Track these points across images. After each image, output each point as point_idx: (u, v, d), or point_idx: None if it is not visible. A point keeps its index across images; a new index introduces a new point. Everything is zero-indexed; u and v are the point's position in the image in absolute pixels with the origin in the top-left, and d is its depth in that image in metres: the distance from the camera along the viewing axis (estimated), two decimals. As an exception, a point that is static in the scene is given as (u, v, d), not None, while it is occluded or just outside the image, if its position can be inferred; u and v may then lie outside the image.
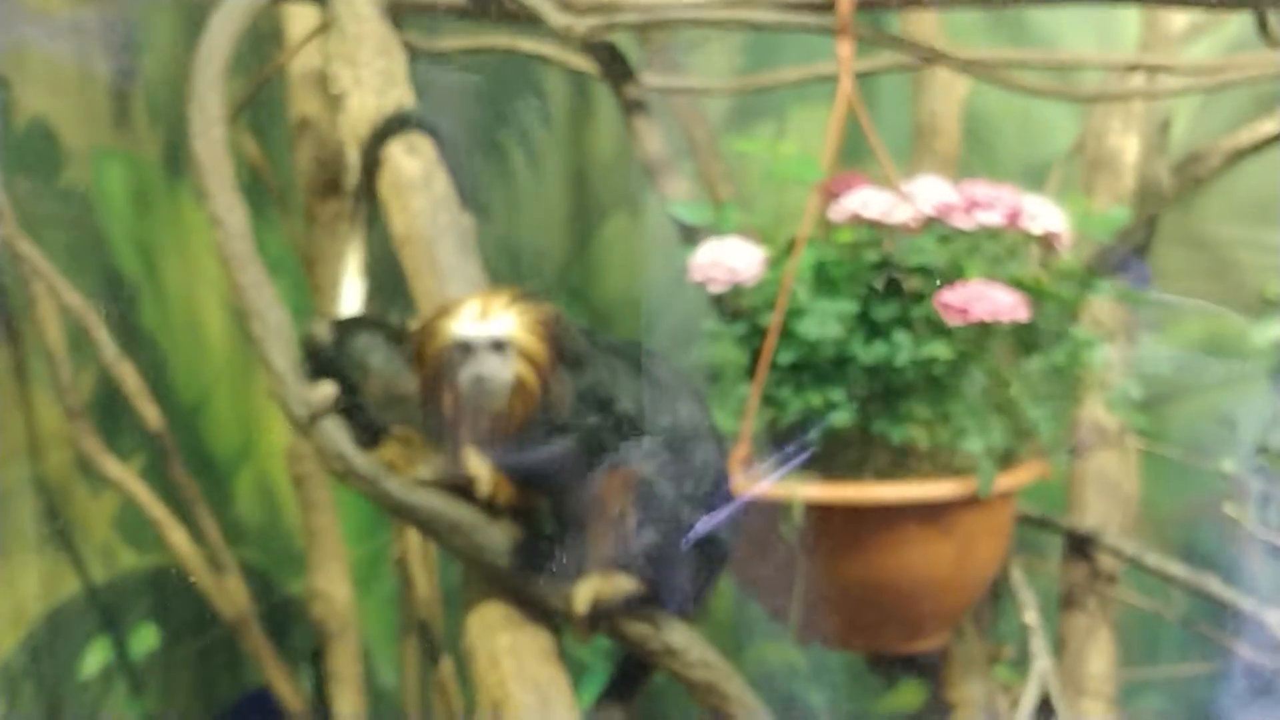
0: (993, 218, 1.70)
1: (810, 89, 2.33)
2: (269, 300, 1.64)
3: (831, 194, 1.93)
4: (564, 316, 1.49)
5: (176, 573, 2.32)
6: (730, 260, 1.81)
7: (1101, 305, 2.12)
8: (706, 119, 2.45)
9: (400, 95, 1.82)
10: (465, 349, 1.43)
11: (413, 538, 2.45)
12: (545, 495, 1.45)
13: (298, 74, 2.22)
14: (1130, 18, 2.32)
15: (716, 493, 1.47)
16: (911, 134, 2.49)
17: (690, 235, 1.98)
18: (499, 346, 1.42)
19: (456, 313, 1.45)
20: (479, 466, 1.44)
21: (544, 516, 1.45)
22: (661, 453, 1.42)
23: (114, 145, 2.46)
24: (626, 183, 2.74)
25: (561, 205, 2.83)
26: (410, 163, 1.77)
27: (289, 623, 2.60)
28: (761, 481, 1.76)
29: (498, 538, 1.43)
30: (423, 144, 1.79)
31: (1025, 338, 1.78)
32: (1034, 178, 2.53)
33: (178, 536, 2.29)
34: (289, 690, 2.30)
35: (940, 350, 1.68)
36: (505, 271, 2.86)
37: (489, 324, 1.44)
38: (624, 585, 1.39)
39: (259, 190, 2.44)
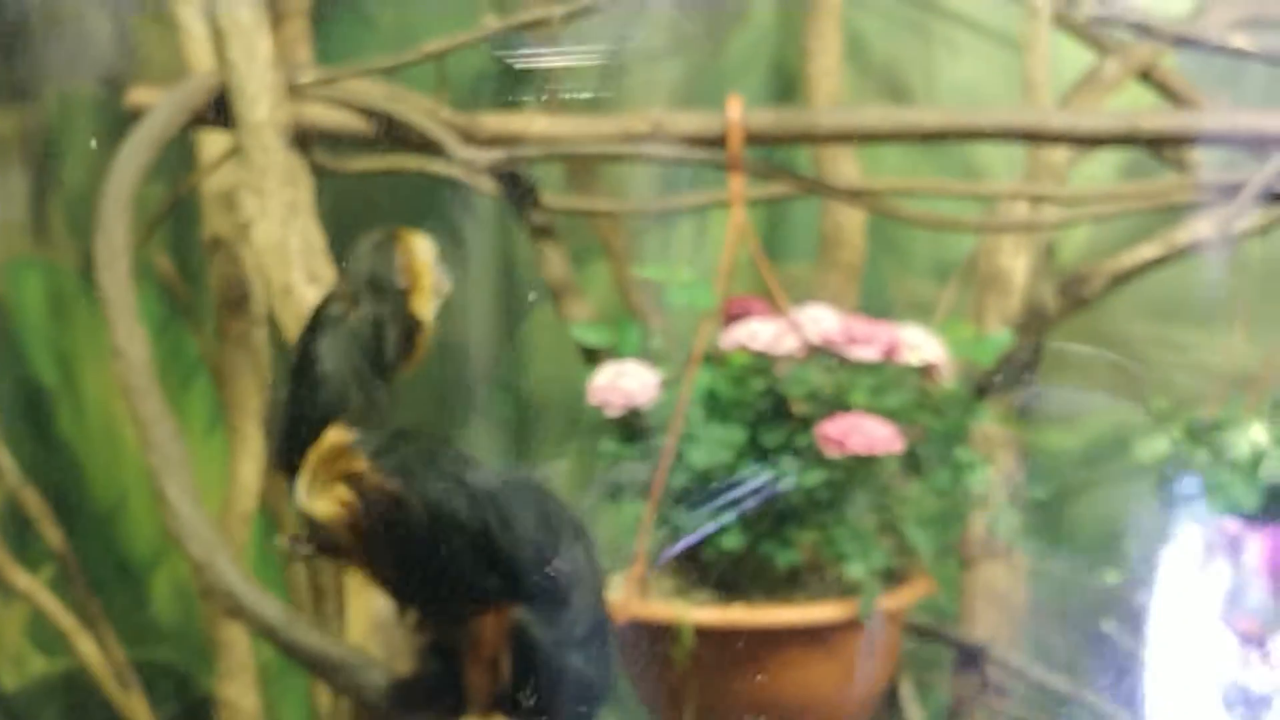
0: (869, 353, 1.77)
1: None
2: (167, 434, 1.68)
3: (730, 318, 2.00)
4: (411, 481, 1.49)
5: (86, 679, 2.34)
6: (626, 385, 1.87)
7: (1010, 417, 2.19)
8: (623, 230, 2.52)
9: (303, 225, 1.88)
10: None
11: (352, 628, 2.48)
12: (427, 630, 1.49)
13: (210, 194, 2.27)
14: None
15: (596, 633, 1.51)
16: (818, 244, 2.58)
17: (592, 356, 2.04)
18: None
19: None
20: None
21: (424, 657, 1.49)
22: (539, 593, 1.47)
23: (32, 255, 2.50)
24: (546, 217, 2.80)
25: (488, 295, 2.89)
26: (311, 292, 1.83)
27: (207, 721, 2.62)
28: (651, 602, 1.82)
29: (376, 678, 1.47)
30: (325, 271, 1.85)
31: (907, 462, 1.85)
32: (944, 275, 2.63)
33: (87, 646, 2.31)
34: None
35: (818, 478, 1.74)
36: (437, 363, 2.93)
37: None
38: (499, 730, 1.43)
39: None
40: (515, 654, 1.42)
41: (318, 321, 1.66)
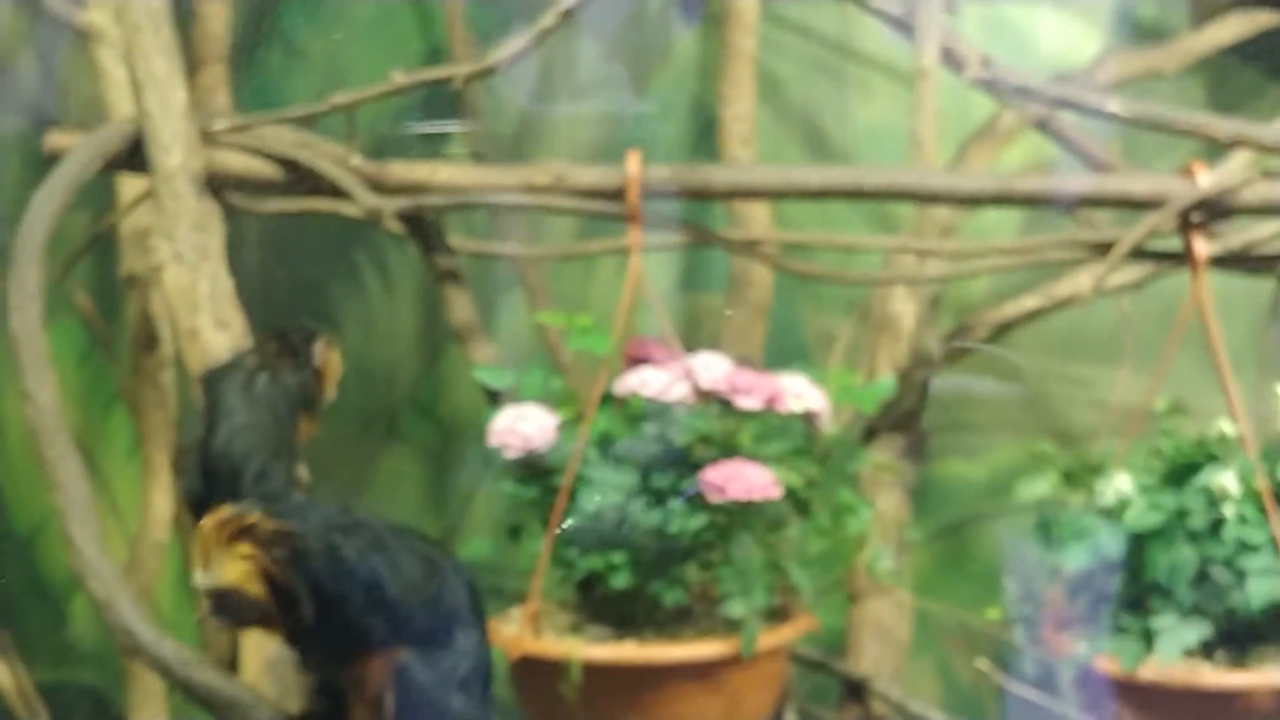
0: (752, 403, 1.86)
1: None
2: (73, 475, 1.74)
3: (631, 360, 2.08)
4: (301, 531, 1.56)
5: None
6: (524, 429, 1.95)
7: (882, 456, 2.29)
8: (540, 269, 2.59)
9: (213, 270, 1.94)
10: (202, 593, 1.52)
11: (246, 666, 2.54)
12: (317, 671, 1.56)
13: (128, 233, 2.33)
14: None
15: (476, 675, 1.59)
16: (727, 283, 2.67)
17: (496, 398, 2.11)
18: (212, 593, 1.51)
19: (195, 552, 1.53)
20: None
21: (313, 697, 1.56)
22: (422, 636, 1.54)
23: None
24: (477, 299, 2.88)
25: (412, 321, 2.95)
26: (219, 338, 1.89)
27: (124, 743, 2.67)
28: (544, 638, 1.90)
29: (268, 716, 1.54)
30: (234, 318, 1.91)
31: (789, 504, 1.93)
32: (854, 312, 2.72)
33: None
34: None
35: (700, 522, 1.83)
36: (358, 388, 2.98)
37: (204, 574, 1.51)
38: (379, 770, 1.50)
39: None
40: (398, 695, 1.49)
41: (238, 376, 1.74)
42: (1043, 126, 2.46)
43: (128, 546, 2.51)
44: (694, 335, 2.91)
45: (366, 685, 1.50)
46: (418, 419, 2.93)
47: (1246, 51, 2.68)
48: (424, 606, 1.56)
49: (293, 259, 2.82)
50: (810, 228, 2.61)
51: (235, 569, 1.50)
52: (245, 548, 1.50)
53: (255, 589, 1.51)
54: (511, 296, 2.72)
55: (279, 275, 2.80)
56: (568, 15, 1.78)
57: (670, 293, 2.84)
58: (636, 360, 2.07)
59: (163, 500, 2.35)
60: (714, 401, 1.95)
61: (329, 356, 1.83)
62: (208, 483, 1.66)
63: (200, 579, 1.52)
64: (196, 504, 1.69)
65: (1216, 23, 2.64)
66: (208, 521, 1.52)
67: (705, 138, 2.83)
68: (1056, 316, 2.68)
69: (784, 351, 2.78)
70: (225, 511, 1.51)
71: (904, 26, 2.23)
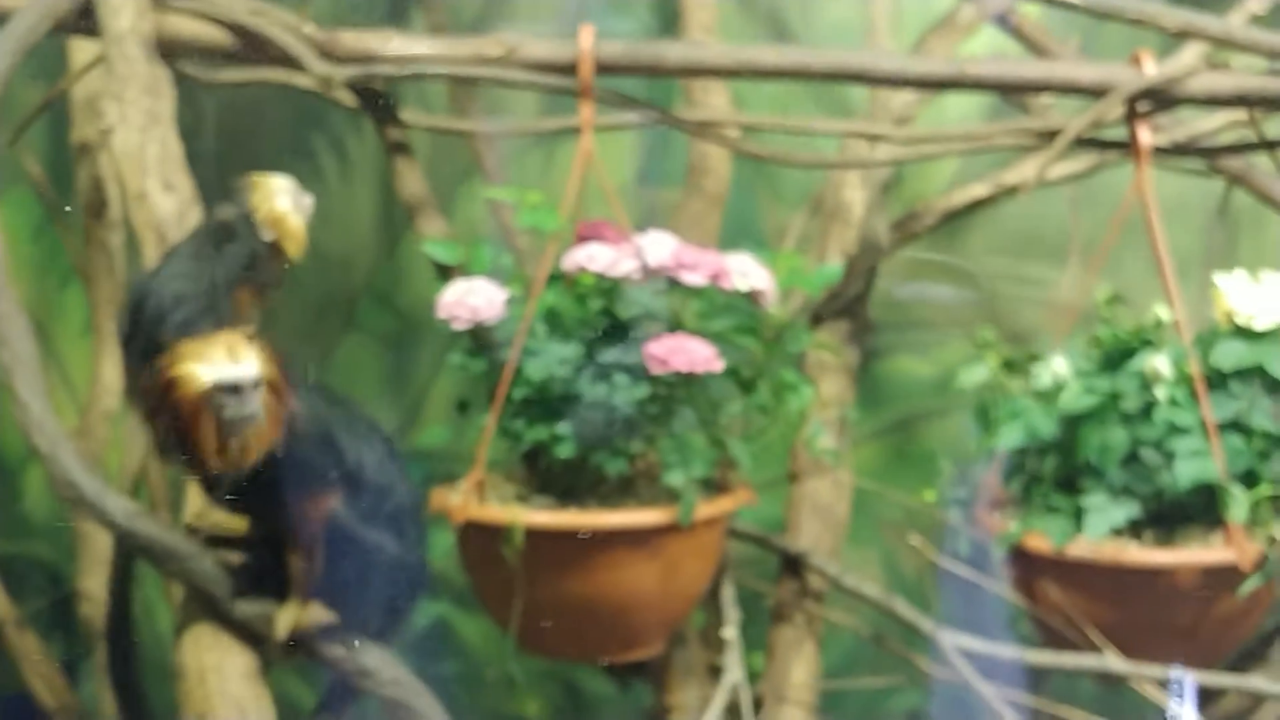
0: (696, 279, 1.88)
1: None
2: (18, 331, 1.74)
3: (581, 239, 2.09)
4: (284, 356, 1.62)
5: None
6: (473, 301, 1.97)
7: (829, 340, 2.32)
8: (496, 146, 2.59)
9: (162, 134, 1.93)
10: (231, 390, 1.52)
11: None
12: (254, 523, 1.60)
13: (79, 99, 2.30)
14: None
15: (407, 528, 1.63)
16: (684, 173, 2.68)
17: (446, 272, 2.13)
18: (256, 386, 1.54)
19: (205, 356, 1.54)
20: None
21: (252, 544, 1.59)
22: (353, 486, 1.57)
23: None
24: (435, 184, 2.87)
25: (371, 210, 2.95)
26: (167, 201, 1.89)
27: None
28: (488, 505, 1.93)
29: (209, 566, 1.57)
30: (181, 182, 1.91)
31: (731, 380, 1.97)
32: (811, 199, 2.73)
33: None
34: (46, 691, 2.40)
35: (643, 393, 1.86)
36: (316, 276, 2.98)
37: (243, 365, 1.54)
38: (318, 614, 1.54)
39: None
40: (330, 543, 1.53)
41: (190, 242, 1.75)
42: (1002, 21, 2.47)
43: (79, 417, 2.52)
44: (652, 226, 2.94)
45: (303, 533, 1.53)
46: (376, 307, 2.93)
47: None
48: (355, 459, 1.59)
49: (248, 145, 2.80)
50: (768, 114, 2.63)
51: (267, 367, 1.53)
52: (271, 353, 1.54)
53: (282, 386, 1.54)
54: (470, 184, 2.73)
55: (234, 161, 2.78)
56: None
57: (629, 185, 2.84)
58: (588, 240, 2.09)
59: (113, 368, 2.35)
60: (661, 278, 1.97)
61: (270, 210, 1.81)
62: (134, 321, 1.68)
63: (243, 370, 1.52)
64: (124, 342, 1.71)
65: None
66: (226, 334, 1.56)
67: (669, 28, 2.82)
68: (1010, 217, 2.71)
69: (742, 242, 2.79)
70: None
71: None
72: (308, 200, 1.91)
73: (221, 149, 2.76)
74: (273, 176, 1.88)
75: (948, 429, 2.88)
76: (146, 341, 1.64)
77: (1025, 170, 2.18)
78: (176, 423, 1.53)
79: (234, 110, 2.64)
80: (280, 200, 1.84)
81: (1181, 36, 2.03)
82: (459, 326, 1.97)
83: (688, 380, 1.88)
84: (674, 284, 1.96)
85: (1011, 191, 2.21)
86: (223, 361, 1.53)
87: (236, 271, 1.78)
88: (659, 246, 1.95)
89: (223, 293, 1.73)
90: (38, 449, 1.65)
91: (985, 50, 2.69)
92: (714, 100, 2.45)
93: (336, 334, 2.93)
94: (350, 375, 2.95)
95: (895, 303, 2.74)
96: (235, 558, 1.59)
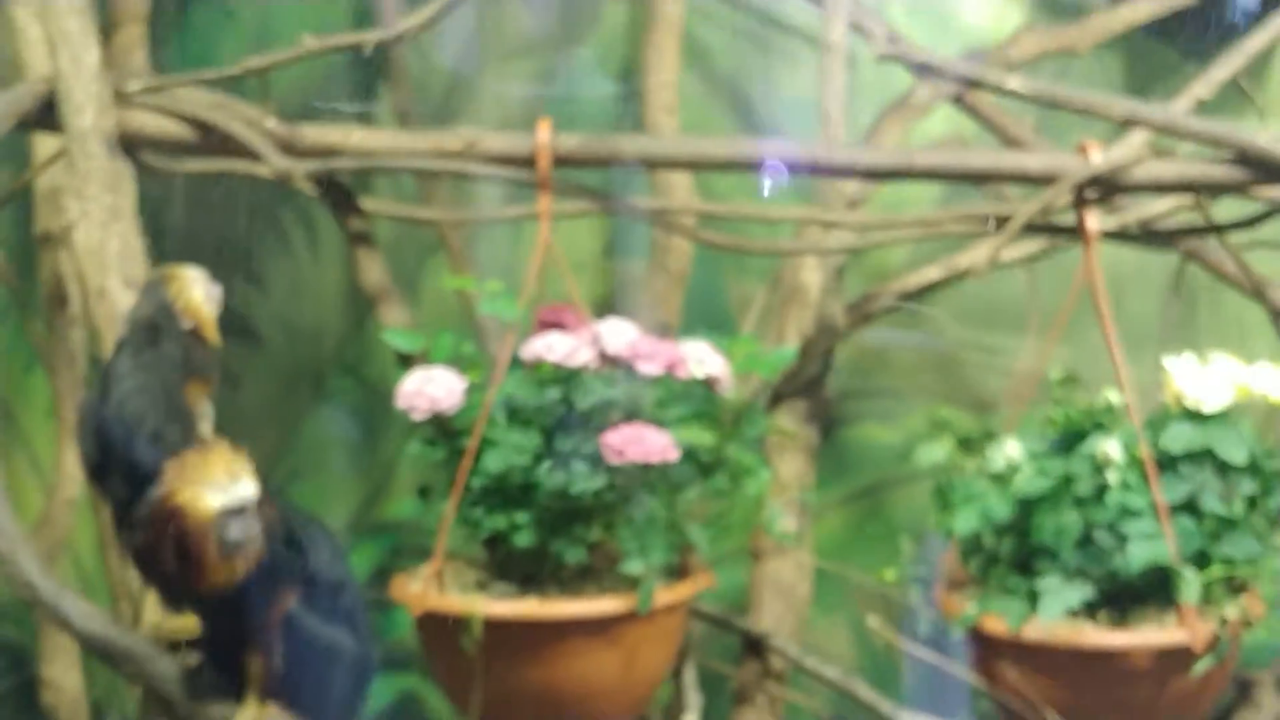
0: (652, 368, 1.90)
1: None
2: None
3: (544, 325, 2.12)
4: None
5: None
6: (432, 390, 1.99)
7: (786, 424, 2.35)
8: (462, 231, 2.61)
9: (123, 229, 1.96)
10: (237, 513, 1.54)
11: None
12: (212, 625, 1.61)
13: (42, 191, 2.33)
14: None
15: (359, 623, 1.64)
16: (649, 249, 2.71)
17: (407, 360, 2.15)
18: (256, 503, 1.56)
19: (205, 479, 1.55)
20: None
21: (208, 645, 1.60)
22: (309, 585, 1.59)
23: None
24: (403, 261, 2.89)
25: (339, 282, 2.96)
26: (127, 297, 1.91)
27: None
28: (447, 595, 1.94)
29: (167, 668, 1.58)
30: (139, 277, 1.93)
31: (690, 467, 1.99)
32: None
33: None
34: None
35: (601, 483, 1.88)
36: (285, 348, 3.00)
37: (243, 483, 1.56)
38: (275, 715, 1.55)
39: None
40: (287, 646, 1.54)
41: (128, 346, 1.77)
42: (957, 101, 2.52)
43: (45, 499, 2.53)
44: (619, 302, 2.97)
45: (266, 627, 1.54)
46: (344, 379, 2.95)
47: (1161, 30, 2.74)
48: (310, 566, 1.61)
49: (218, 217, 2.83)
50: (731, 196, 2.66)
51: (257, 485, 1.56)
52: (253, 469, 1.56)
53: (269, 505, 1.57)
54: (438, 258, 2.75)
55: (205, 233, 2.81)
56: None
57: (596, 259, 2.87)
58: (548, 326, 2.11)
59: (74, 459, 2.36)
60: (619, 367, 2.00)
61: (186, 300, 1.83)
62: (103, 449, 1.69)
63: (244, 490, 1.54)
64: (94, 471, 1.72)
65: (1130, 2, 2.70)
66: (218, 449, 1.58)
67: (633, 102, 2.86)
68: (971, 286, 2.75)
69: (707, 317, 2.82)
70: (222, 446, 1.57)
71: (815, 1, 2.26)
72: (217, 290, 1.94)
73: (190, 222, 2.79)
74: (184, 267, 1.91)
75: (913, 496, 2.90)
76: (123, 467, 1.65)
77: (978, 253, 2.22)
78: (179, 550, 1.54)
79: (201, 183, 2.66)
80: (196, 289, 1.87)
81: (1127, 125, 2.07)
82: (418, 416, 1.99)
83: (644, 469, 1.90)
84: (631, 372, 1.99)
85: (964, 275, 2.25)
86: (224, 482, 1.55)
87: (180, 367, 1.79)
88: (617, 335, 1.98)
89: (176, 392, 1.75)
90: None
91: (943, 129, 2.75)
92: (676, 181, 2.49)
93: (305, 406, 2.95)
94: (319, 447, 2.95)
95: (858, 368, 2.77)
96: (193, 659, 1.60)
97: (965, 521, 2.03)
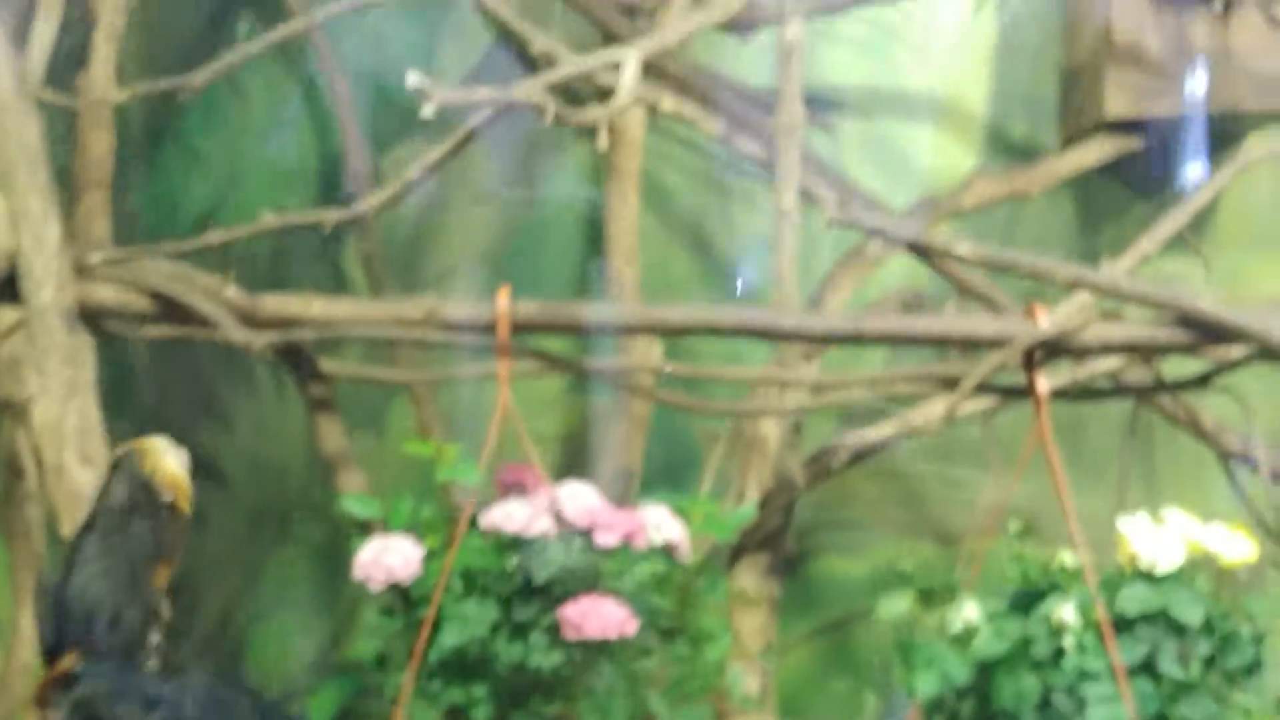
0: (610, 539, 1.91)
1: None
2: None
3: (503, 485, 2.12)
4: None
5: None
6: (389, 560, 1.98)
7: (748, 579, 2.35)
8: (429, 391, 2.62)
9: (82, 404, 1.97)
10: None
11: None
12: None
13: (1, 359, 2.33)
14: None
15: None
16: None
17: (365, 527, 2.15)
18: None
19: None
20: None
21: None
22: None
23: None
24: (368, 405, 2.89)
25: (304, 420, 2.94)
26: (84, 474, 1.91)
27: None
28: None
29: None
30: (99, 454, 1.94)
31: (650, 634, 1.99)
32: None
33: None
34: None
35: (558, 658, 1.88)
36: (250, 487, 2.99)
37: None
38: None
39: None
40: None
41: (97, 528, 1.77)
42: (910, 252, 2.57)
43: (3, 663, 2.50)
44: (585, 437, 2.99)
45: None
46: (310, 519, 2.94)
47: (1113, 169, 2.80)
48: None
49: (183, 354, 2.83)
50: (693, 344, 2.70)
51: None
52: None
53: None
54: (404, 399, 2.76)
55: (169, 370, 2.82)
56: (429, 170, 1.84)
57: (562, 394, 2.89)
58: (508, 486, 2.12)
59: (30, 624, 2.34)
60: (577, 535, 2.00)
61: (163, 471, 1.84)
62: (59, 630, 1.69)
63: None
64: (48, 652, 1.71)
65: (1080, 146, 2.76)
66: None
67: (598, 240, 2.91)
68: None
69: (674, 455, 2.85)
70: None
71: (766, 166, 2.32)
72: (185, 455, 1.95)
73: (154, 358, 2.80)
74: (152, 439, 1.91)
75: (878, 632, 2.89)
76: (77, 650, 1.65)
77: (932, 410, 2.25)
78: None
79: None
80: (169, 459, 1.87)
81: (1073, 288, 2.12)
82: (375, 588, 1.99)
83: (601, 644, 1.90)
84: (589, 541, 2.00)
85: (918, 433, 2.28)
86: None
87: (150, 548, 1.80)
88: (575, 501, 1.99)
89: (142, 576, 1.75)
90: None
91: (900, 278, 2.79)
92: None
93: (270, 545, 2.94)
94: (283, 588, 2.94)
95: (823, 502, 2.78)
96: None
97: (927, 684, 2.02)
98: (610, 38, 2.75)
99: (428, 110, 1.58)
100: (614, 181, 2.76)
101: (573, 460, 2.85)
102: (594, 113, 1.73)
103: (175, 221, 2.81)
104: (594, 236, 2.92)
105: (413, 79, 1.60)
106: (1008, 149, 2.97)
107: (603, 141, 1.75)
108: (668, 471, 2.80)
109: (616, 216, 2.74)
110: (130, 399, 2.74)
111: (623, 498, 2.37)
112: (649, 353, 2.67)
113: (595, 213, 2.90)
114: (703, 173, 2.95)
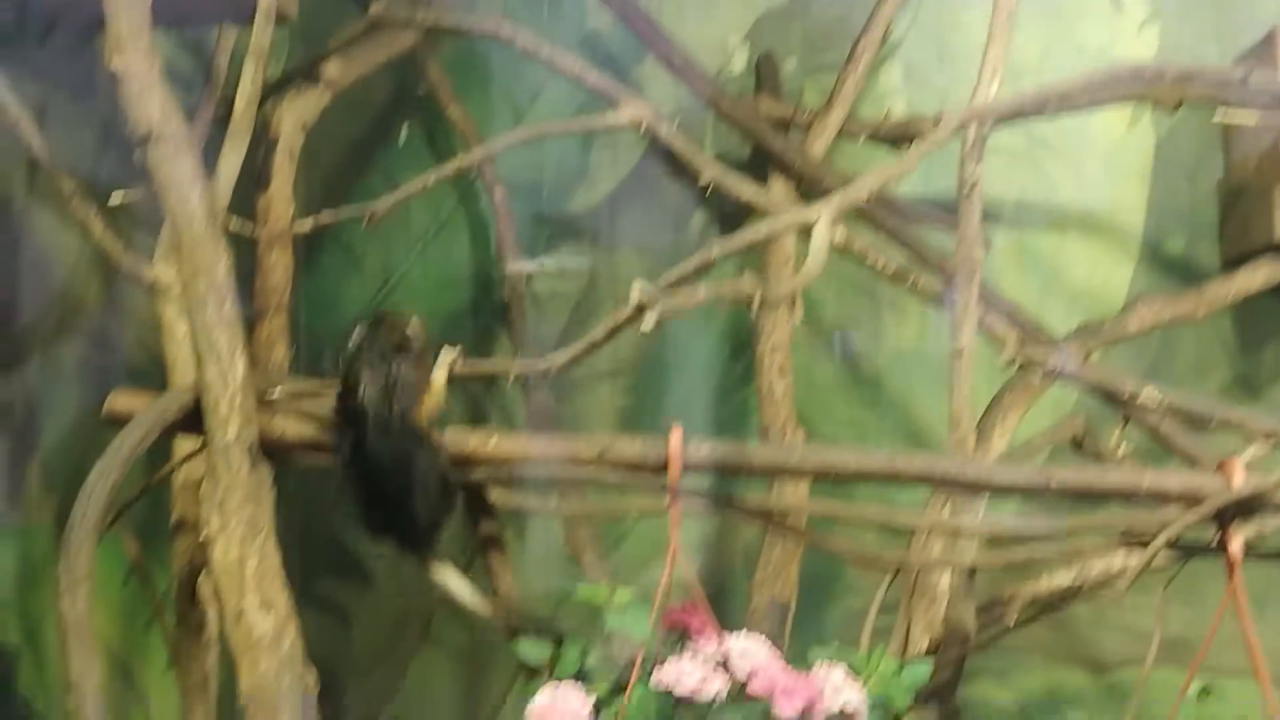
0: (791, 710, 1.87)
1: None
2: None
3: (677, 625, 2.09)
4: None
5: None
6: (559, 715, 1.96)
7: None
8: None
9: (262, 544, 1.98)
10: None
11: None
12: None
13: (180, 481, 2.37)
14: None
15: None
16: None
17: (533, 671, 2.13)
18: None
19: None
20: None
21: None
22: None
23: (5, 520, 2.59)
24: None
25: (449, 525, 2.96)
26: (264, 621, 1.92)
27: None
28: None
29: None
30: (279, 599, 1.94)
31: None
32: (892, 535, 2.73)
33: None
34: None
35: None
36: (394, 588, 2.99)
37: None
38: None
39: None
40: None
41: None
42: (1073, 379, 2.50)
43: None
44: (731, 544, 2.94)
45: None
46: (451, 623, 2.95)
47: (1276, 290, 2.71)
48: None
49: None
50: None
51: None
52: None
53: None
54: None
55: (321, 476, 2.84)
56: (593, 347, 1.83)
57: (705, 517, 2.86)
58: (673, 626, 2.09)
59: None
60: (754, 702, 1.95)
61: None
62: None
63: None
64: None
65: (1247, 269, 2.68)
66: None
67: (747, 345, 2.88)
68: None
69: (817, 568, 2.80)
70: None
71: (940, 304, 2.28)
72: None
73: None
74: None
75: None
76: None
77: (1112, 564, 2.17)
78: None
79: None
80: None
81: (1271, 439, 2.04)
82: (549, 739, 1.97)
83: (782, 813, 1.85)
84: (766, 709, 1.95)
85: (1097, 588, 2.20)
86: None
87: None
88: (749, 661, 1.95)
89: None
90: None
91: (1064, 398, 2.71)
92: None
93: (413, 649, 2.95)
94: (424, 691, 2.95)
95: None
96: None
97: None
98: (761, 152, 2.77)
99: (649, 322, 1.57)
100: (765, 308, 2.73)
101: (717, 587, 2.84)
102: (791, 284, 1.70)
103: (333, 324, 2.87)
104: (741, 346, 2.90)
105: (637, 290, 1.59)
106: (1164, 266, 2.90)
107: (798, 315, 1.73)
108: (813, 586, 2.76)
109: (766, 332, 2.72)
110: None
111: (777, 633, 2.32)
112: (798, 490, 2.64)
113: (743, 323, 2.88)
114: (851, 280, 2.91)
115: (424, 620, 2.94)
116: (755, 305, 1.62)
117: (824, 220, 1.78)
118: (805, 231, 1.85)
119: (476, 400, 2.89)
